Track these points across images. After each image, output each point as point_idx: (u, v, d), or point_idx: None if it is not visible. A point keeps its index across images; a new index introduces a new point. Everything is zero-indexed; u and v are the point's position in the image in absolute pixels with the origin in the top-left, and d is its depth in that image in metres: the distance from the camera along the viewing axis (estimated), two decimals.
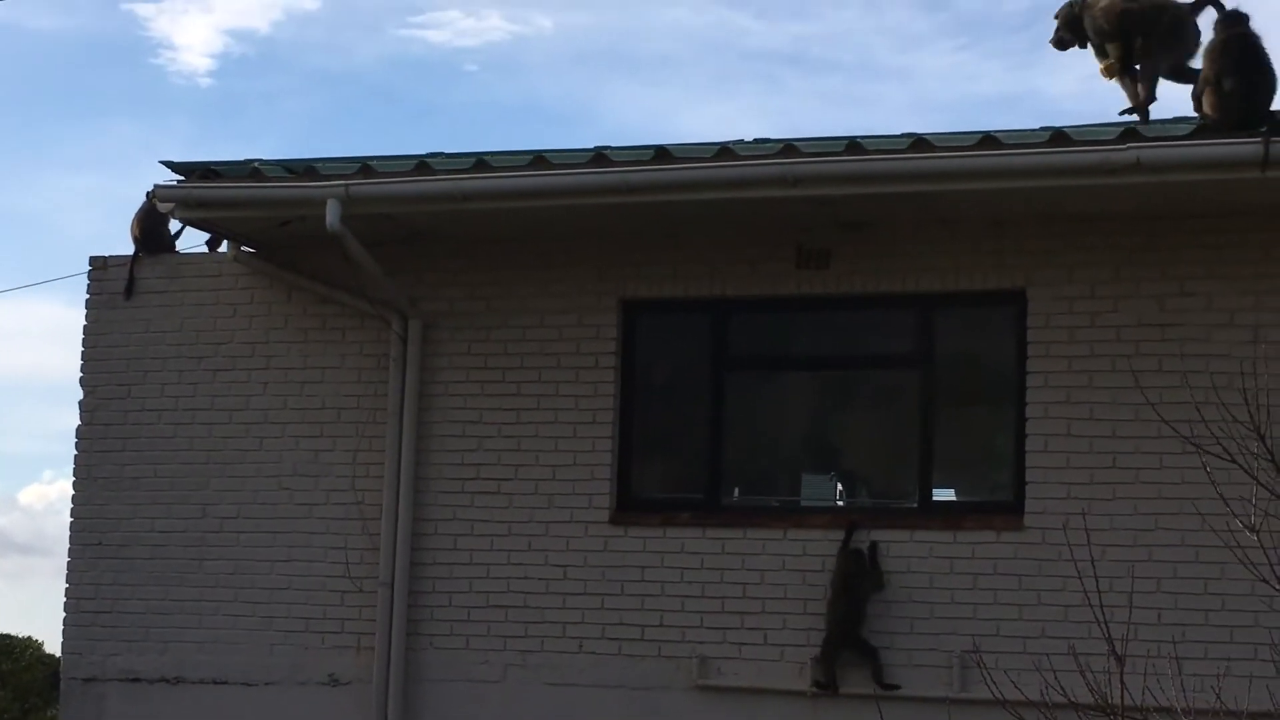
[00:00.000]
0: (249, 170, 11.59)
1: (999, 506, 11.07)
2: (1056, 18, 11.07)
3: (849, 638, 10.84)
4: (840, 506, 11.81)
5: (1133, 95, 10.67)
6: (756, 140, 11.20)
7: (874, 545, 10.94)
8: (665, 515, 11.48)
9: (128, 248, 12.83)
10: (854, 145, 10.52)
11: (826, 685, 10.85)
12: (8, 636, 35.91)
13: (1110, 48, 10.68)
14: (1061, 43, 11.06)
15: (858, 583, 10.87)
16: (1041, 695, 6.82)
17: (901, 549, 10.96)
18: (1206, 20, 10.51)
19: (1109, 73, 10.75)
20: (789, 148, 10.62)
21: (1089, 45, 10.83)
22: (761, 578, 11.16)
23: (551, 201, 10.98)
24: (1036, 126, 10.53)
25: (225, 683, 12.06)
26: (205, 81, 45.11)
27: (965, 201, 10.66)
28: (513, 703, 11.49)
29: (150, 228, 12.74)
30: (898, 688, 10.73)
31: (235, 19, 44.42)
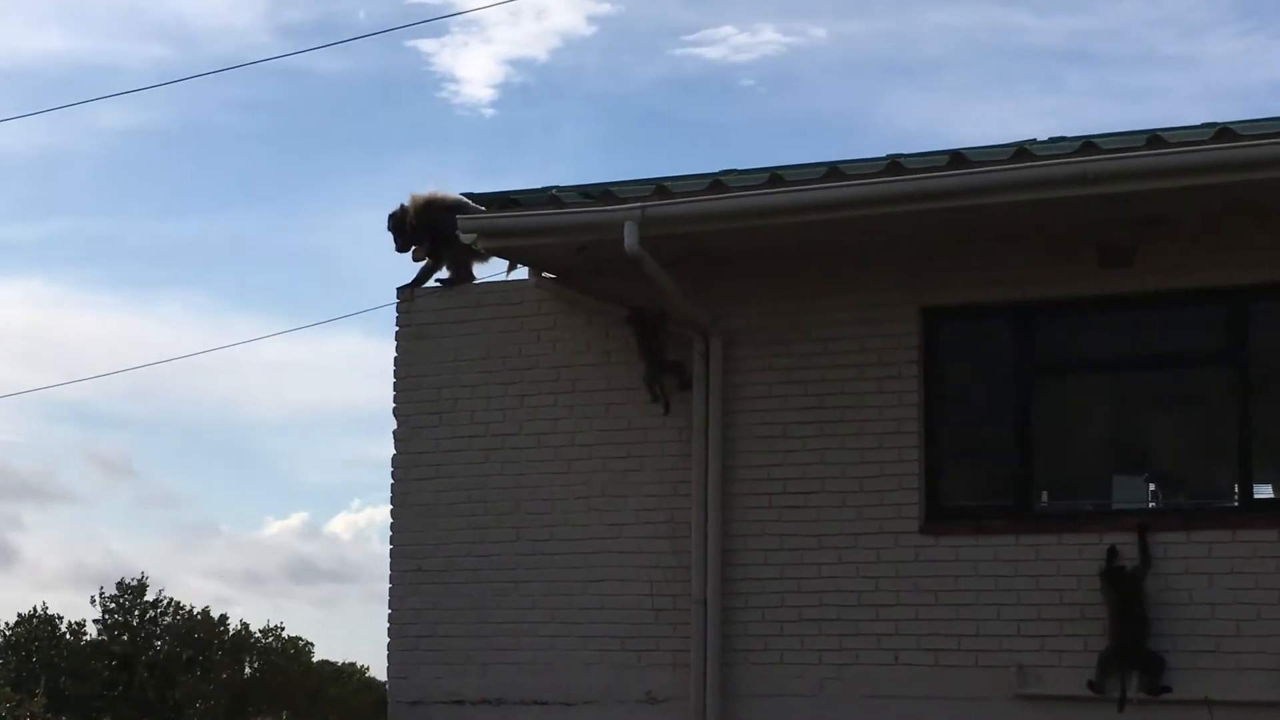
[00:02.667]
0: (547, 197, 11.78)
1: None
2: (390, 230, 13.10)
3: (1133, 649, 10.70)
4: (1154, 508, 11.54)
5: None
6: (1051, 139, 11.03)
7: (1142, 533, 10.75)
8: (976, 523, 11.37)
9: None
10: (1155, 139, 10.28)
11: (1099, 690, 10.74)
12: (329, 662, 37.04)
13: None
14: (401, 247, 13.12)
15: (1130, 595, 10.73)
16: None
17: (1224, 549, 10.68)
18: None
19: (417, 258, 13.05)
20: (1087, 145, 10.44)
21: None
22: (1078, 583, 10.97)
23: (848, 213, 10.95)
24: None
25: (545, 703, 12.24)
26: (488, 112, 46.06)
27: (1274, 190, 10.35)
28: (830, 717, 11.46)
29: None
30: (1168, 690, 10.60)
31: (515, 49, 45.26)
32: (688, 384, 12.03)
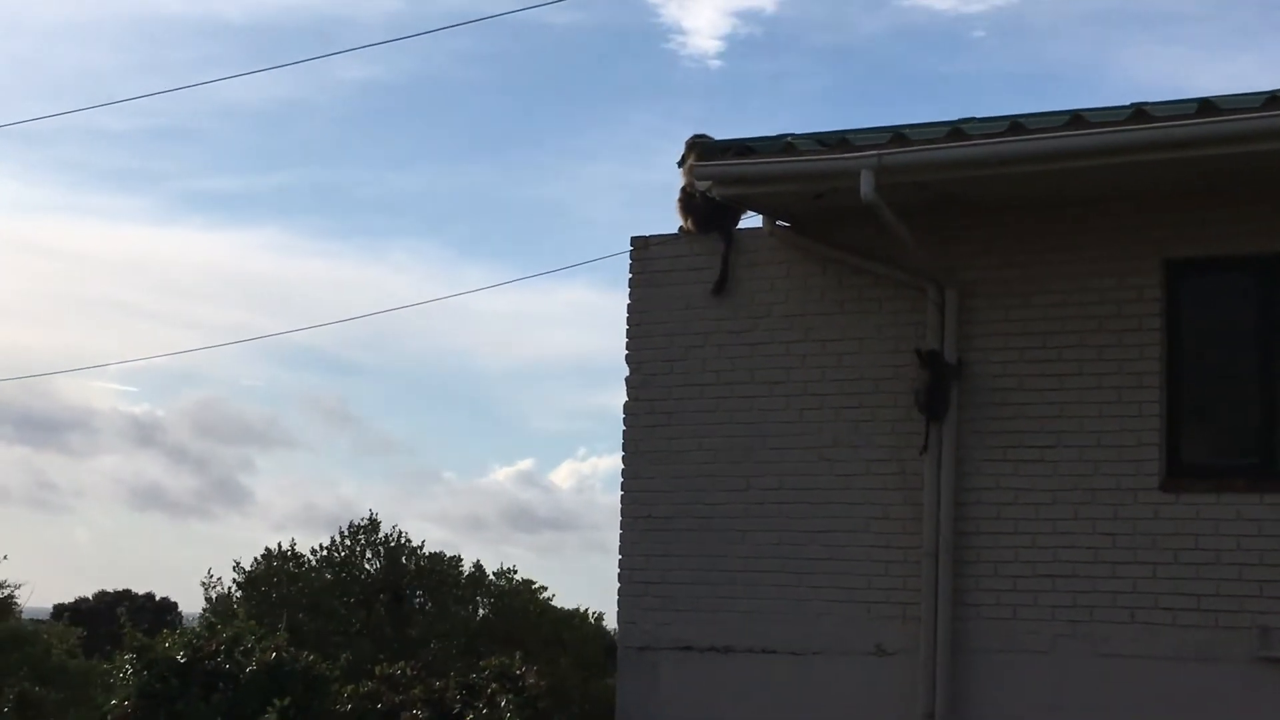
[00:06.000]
0: (783, 145, 11.70)
1: None
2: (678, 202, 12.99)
3: None
4: None
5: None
6: None
7: None
8: (1219, 481, 11.09)
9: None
10: None
11: None
12: (554, 607, 37.42)
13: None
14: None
15: None
16: None
17: None
18: None
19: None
20: None
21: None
22: None
23: (1091, 162, 10.70)
24: None
25: (773, 652, 12.23)
26: (715, 64, 46.08)
27: None
28: (1062, 674, 11.30)
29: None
30: None
31: (741, 0, 44.95)
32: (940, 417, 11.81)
